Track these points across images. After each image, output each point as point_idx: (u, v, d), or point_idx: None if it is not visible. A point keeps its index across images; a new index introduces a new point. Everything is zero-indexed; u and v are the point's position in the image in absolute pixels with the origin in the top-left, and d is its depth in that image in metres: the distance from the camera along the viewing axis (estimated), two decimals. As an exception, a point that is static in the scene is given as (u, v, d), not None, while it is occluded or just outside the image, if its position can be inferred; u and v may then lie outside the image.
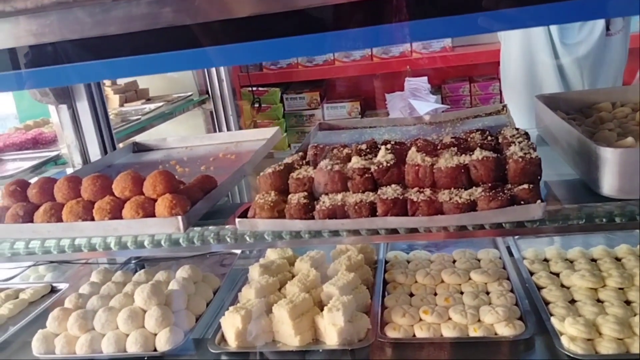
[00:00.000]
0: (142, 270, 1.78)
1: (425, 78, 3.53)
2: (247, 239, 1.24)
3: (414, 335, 1.35)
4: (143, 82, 3.40)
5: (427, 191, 1.11)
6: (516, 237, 1.74)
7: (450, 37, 3.39)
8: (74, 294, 1.66)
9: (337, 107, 3.85)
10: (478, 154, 1.13)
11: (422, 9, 0.97)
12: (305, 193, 1.21)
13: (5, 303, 1.78)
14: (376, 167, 1.17)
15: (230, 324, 1.39)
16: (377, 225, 1.10)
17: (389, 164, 1.16)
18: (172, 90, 3.43)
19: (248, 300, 1.47)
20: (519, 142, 1.18)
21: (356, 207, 1.11)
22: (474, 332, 1.32)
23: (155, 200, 1.25)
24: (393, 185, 1.14)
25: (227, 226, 1.26)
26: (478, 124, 1.69)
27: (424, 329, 1.34)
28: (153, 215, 1.24)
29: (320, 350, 1.35)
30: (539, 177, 1.11)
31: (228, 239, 1.25)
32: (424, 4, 0.97)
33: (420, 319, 1.38)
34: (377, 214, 1.10)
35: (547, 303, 1.42)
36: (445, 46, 3.62)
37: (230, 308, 1.42)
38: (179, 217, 1.20)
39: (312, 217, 1.15)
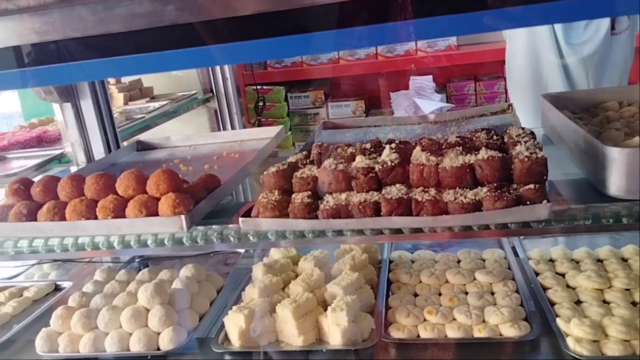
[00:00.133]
0: (146, 269, 1.78)
1: (430, 77, 3.51)
2: (251, 238, 1.23)
3: (419, 336, 1.34)
4: (147, 80, 3.40)
5: (432, 191, 1.10)
6: (521, 237, 1.73)
7: (456, 35, 3.37)
8: (77, 292, 1.66)
9: (341, 105, 3.84)
10: (483, 153, 1.12)
11: (427, 7, 0.96)
12: (309, 192, 1.20)
13: (10, 301, 1.78)
14: (380, 167, 1.16)
15: (234, 323, 1.39)
16: (381, 225, 1.09)
17: (393, 164, 1.16)
18: (176, 88, 3.43)
19: (251, 299, 1.47)
20: (525, 142, 1.17)
21: (360, 206, 1.10)
22: (479, 332, 1.31)
23: (158, 199, 1.25)
24: (397, 185, 1.13)
25: (230, 225, 1.25)
26: (483, 123, 1.68)
27: (428, 330, 1.34)
28: (156, 214, 1.24)
29: (324, 350, 1.34)
30: (545, 177, 1.09)
31: (231, 238, 1.25)
32: (429, 2, 0.97)
33: (425, 320, 1.37)
34: (382, 213, 1.09)
35: (552, 304, 1.40)
36: (451, 45, 3.59)
37: (234, 307, 1.42)
38: (182, 216, 1.20)
39: (316, 217, 1.14)
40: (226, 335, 1.43)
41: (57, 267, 2.11)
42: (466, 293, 1.48)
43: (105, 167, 1.75)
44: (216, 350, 1.39)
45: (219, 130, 3.44)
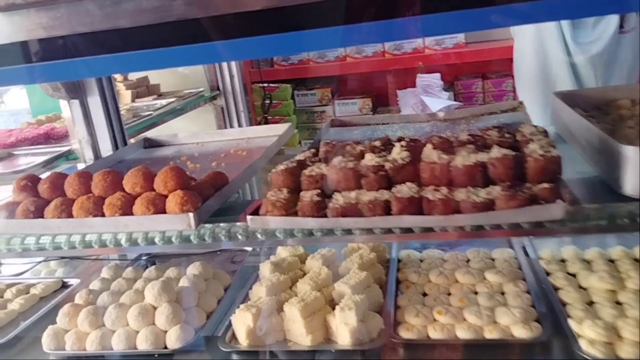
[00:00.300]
0: (153, 267, 1.78)
1: (438, 75, 3.48)
2: (259, 236, 1.22)
3: (428, 336, 1.33)
4: (154, 77, 3.40)
5: (444, 190, 1.08)
6: (531, 236, 1.71)
7: (464, 32, 3.34)
8: (84, 289, 1.65)
9: (348, 103, 3.82)
10: (496, 151, 1.10)
11: (435, 3, 0.94)
12: (318, 190, 1.18)
13: (17, 298, 1.78)
14: (391, 165, 1.14)
15: (241, 322, 1.38)
16: (391, 224, 1.07)
17: (404, 162, 1.14)
18: (183, 86, 3.42)
19: (259, 298, 1.46)
20: (538, 140, 1.14)
21: (370, 205, 1.09)
22: (490, 333, 1.29)
23: (166, 197, 1.24)
24: (408, 183, 1.11)
25: (238, 223, 1.24)
26: (493, 121, 1.66)
27: (437, 330, 1.32)
28: (164, 211, 1.23)
29: (333, 351, 1.33)
30: (559, 176, 1.07)
31: (239, 236, 1.24)
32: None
33: (434, 320, 1.36)
34: (392, 212, 1.07)
35: (564, 304, 1.38)
36: (459, 42, 3.57)
37: (241, 306, 1.41)
38: (190, 214, 1.19)
39: (325, 215, 1.13)
40: (234, 334, 1.42)
41: (64, 264, 2.11)
42: (476, 293, 1.46)
43: (112, 164, 1.75)
44: (224, 349, 1.38)
45: (226, 127, 3.44)
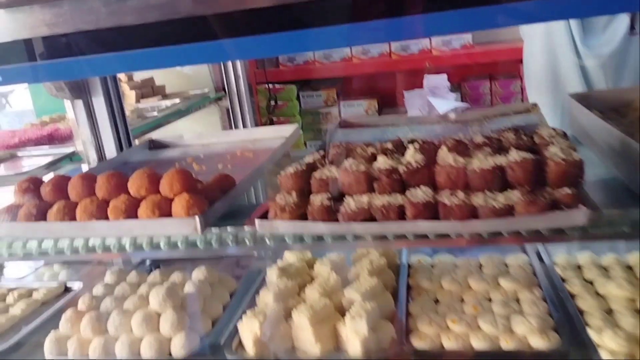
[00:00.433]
0: (157, 271, 1.74)
1: (445, 75, 3.45)
2: (267, 241, 1.18)
3: (442, 346, 1.28)
4: (159, 78, 3.37)
5: (460, 194, 1.04)
6: (546, 241, 1.66)
7: (471, 30, 3.28)
8: (87, 294, 1.61)
9: (354, 105, 3.78)
10: (515, 154, 1.06)
11: (443, 1, 0.91)
12: (329, 194, 1.14)
13: (18, 302, 1.75)
14: (405, 168, 1.10)
15: (248, 329, 1.34)
16: (406, 229, 1.03)
17: (418, 165, 1.10)
18: (188, 86, 3.39)
19: (266, 304, 1.42)
20: (558, 143, 1.10)
21: (383, 210, 1.05)
22: (506, 343, 1.24)
23: (172, 200, 1.20)
24: (422, 187, 1.07)
25: (246, 228, 1.21)
26: (507, 123, 1.61)
27: (451, 339, 1.27)
28: (169, 215, 1.19)
29: (343, 360, 1.29)
30: (581, 181, 1.03)
31: (247, 241, 1.20)
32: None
33: (448, 328, 1.31)
34: (407, 217, 1.03)
35: (581, 312, 1.34)
36: (466, 43, 3.52)
37: (248, 312, 1.37)
38: (197, 218, 1.15)
39: (336, 220, 1.09)
40: (240, 342, 1.38)
41: (67, 267, 2.07)
42: (490, 300, 1.42)
43: (117, 166, 1.72)
44: (230, 358, 1.34)
45: (231, 129, 3.41)
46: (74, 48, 0.94)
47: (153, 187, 1.24)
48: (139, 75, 3.26)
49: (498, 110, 1.75)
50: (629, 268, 1.52)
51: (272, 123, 3.61)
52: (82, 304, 1.57)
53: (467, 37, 3.50)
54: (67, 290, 1.85)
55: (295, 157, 1.45)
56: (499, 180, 1.05)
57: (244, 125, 3.40)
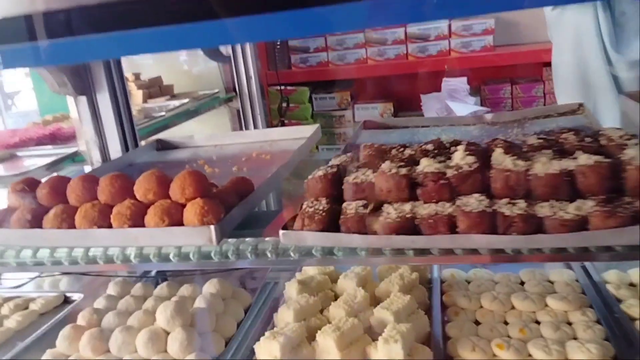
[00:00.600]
0: (165, 283, 1.59)
1: (465, 79, 3.32)
2: (291, 254, 1.03)
3: (488, 376, 1.13)
4: (167, 78, 3.25)
5: (522, 203, 0.89)
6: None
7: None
8: (87, 309, 1.47)
9: (368, 107, 3.66)
10: (585, 158, 0.91)
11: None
12: (364, 201, 1.00)
13: (14, 314, 1.61)
14: (454, 172, 0.95)
15: (267, 352, 1.19)
16: (459, 244, 0.88)
17: (470, 168, 0.95)
18: (197, 87, 3.27)
19: (286, 323, 1.27)
20: (635, 145, 0.95)
21: (431, 221, 0.90)
22: (563, 374, 1.09)
23: (183, 206, 1.05)
24: (476, 195, 0.92)
25: (267, 239, 1.06)
26: (552, 124, 1.46)
27: (499, 368, 1.12)
28: (181, 223, 1.04)
29: (375, 390, 1.14)
30: (664, 189, 0.88)
31: (268, 254, 1.05)
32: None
33: (494, 355, 1.16)
34: (458, 230, 0.88)
35: (642, 338, 1.18)
36: (486, 45, 3.39)
37: (267, 333, 1.22)
38: (212, 227, 1.00)
39: (373, 231, 0.94)
40: (257, 365, 1.23)
41: (68, 275, 1.93)
42: (538, 322, 1.27)
43: (122, 168, 1.58)
44: (246, 384, 1.19)
45: (241, 130, 3.27)
46: (72, 27, 0.80)
47: (162, 191, 1.09)
48: (147, 74, 3.14)
49: (539, 111, 1.61)
50: (688, 287, 1.37)
51: (283, 125, 3.48)
52: (82, 319, 1.44)
53: (488, 39, 3.37)
54: (66, 301, 1.71)
55: (311, 161, 1.30)
56: (567, 187, 0.90)
57: (255, 128, 3.26)
